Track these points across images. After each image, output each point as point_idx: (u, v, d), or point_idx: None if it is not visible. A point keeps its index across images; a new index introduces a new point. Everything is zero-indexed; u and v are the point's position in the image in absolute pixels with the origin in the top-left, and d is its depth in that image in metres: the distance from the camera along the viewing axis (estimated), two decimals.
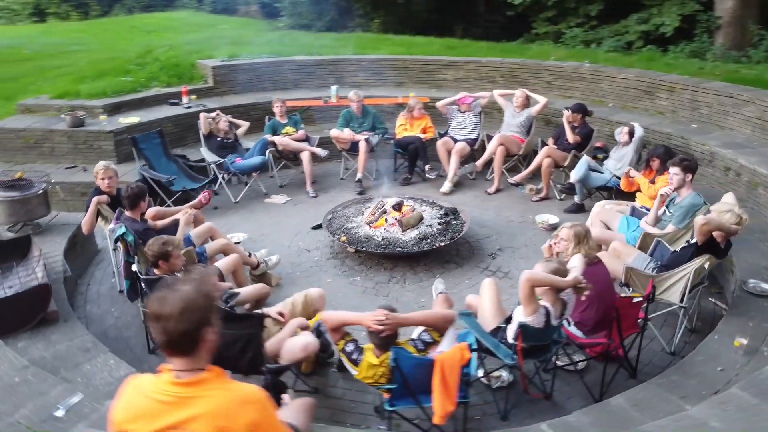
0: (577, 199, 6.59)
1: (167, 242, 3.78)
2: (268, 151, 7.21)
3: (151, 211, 4.94)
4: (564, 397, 3.81)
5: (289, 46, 10.73)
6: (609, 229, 5.20)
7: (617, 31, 10.69)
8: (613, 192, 6.36)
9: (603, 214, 5.32)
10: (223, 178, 6.99)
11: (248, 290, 4.24)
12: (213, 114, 7.32)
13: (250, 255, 5.15)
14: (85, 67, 9.90)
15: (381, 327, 3.07)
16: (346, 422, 3.57)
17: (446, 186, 7.27)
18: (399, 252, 5.34)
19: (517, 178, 7.24)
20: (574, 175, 6.46)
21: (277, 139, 7.33)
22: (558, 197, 6.97)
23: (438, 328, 3.29)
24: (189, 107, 8.13)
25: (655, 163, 5.70)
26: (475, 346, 3.11)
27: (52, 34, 17.73)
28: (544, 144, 7.26)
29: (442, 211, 5.99)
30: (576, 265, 3.54)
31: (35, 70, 10.67)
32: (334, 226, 5.80)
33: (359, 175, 7.41)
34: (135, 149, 6.61)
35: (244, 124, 7.52)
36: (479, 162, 7.38)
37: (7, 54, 13.81)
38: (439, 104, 7.87)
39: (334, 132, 7.56)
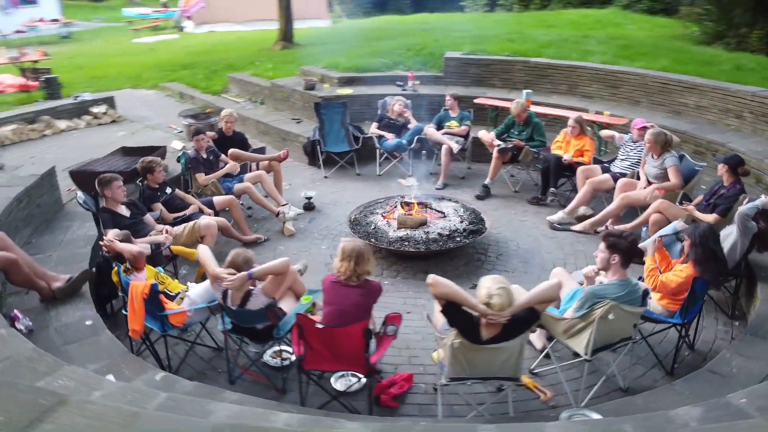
0: None
1: (153, 161, 5.39)
2: (416, 138, 7.86)
3: (234, 151, 6.61)
4: (306, 397, 3.83)
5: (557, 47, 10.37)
6: None
7: None
8: None
9: (565, 277, 4.28)
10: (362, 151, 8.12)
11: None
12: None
13: (284, 205, 6.40)
14: (370, 47, 11.86)
15: (107, 248, 4.03)
16: None
17: (557, 215, 6.55)
18: (372, 242, 5.57)
19: (617, 227, 5.89)
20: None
21: (426, 128, 7.87)
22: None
23: (131, 263, 3.96)
24: (404, 89, 9.28)
25: (687, 244, 4.11)
26: (157, 289, 3.74)
27: (459, 22, 20.63)
28: (685, 198, 5.69)
29: (462, 226, 5.71)
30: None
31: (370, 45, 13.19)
32: (369, 208, 6.30)
33: (487, 181, 7.32)
34: (316, 113, 8.30)
35: (414, 123, 8.12)
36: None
37: (386, 33, 17.03)
38: (603, 133, 6.91)
39: (481, 133, 7.60)
